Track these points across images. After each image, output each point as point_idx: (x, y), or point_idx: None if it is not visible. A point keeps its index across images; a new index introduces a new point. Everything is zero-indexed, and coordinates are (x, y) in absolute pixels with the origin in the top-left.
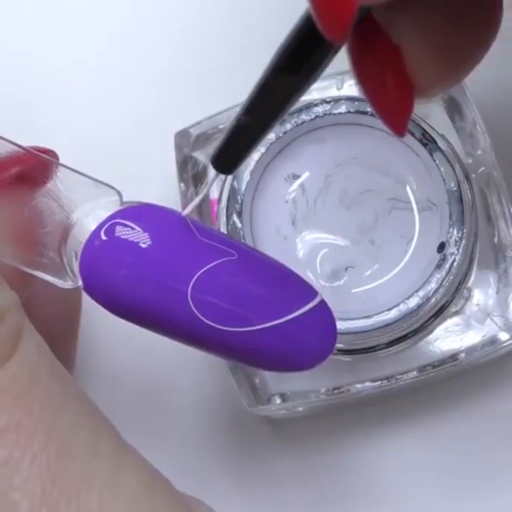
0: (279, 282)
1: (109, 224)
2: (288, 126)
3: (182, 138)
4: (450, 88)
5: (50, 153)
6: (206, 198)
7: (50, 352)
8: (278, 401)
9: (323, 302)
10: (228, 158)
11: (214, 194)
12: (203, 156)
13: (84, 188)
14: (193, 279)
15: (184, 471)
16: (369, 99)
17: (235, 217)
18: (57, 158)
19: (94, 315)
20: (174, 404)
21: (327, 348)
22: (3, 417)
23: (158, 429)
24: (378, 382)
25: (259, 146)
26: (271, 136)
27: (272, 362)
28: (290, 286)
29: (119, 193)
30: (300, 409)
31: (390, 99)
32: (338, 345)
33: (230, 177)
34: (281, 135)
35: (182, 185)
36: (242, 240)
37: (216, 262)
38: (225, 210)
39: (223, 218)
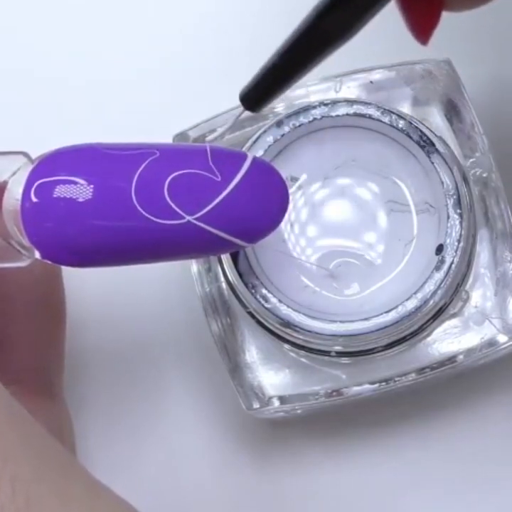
0: (208, 159)
1: (33, 185)
2: (286, 128)
3: (180, 140)
4: (478, 6)
5: None
6: None
7: (4, 390)
8: (276, 403)
9: (256, 159)
10: (256, 97)
11: None
12: None
13: None
14: (133, 185)
15: (183, 473)
16: (401, 6)
17: None
18: None
19: (83, 317)
20: (173, 406)
21: (280, 197)
22: None
23: (157, 431)
24: (377, 385)
25: (258, 149)
26: (269, 138)
27: (241, 230)
28: (219, 159)
29: (25, 153)
30: (299, 411)
31: (420, 8)
32: (337, 348)
33: None
34: (279, 137)
35: None
36: None
37: (145, 163)
38: None
39: None
